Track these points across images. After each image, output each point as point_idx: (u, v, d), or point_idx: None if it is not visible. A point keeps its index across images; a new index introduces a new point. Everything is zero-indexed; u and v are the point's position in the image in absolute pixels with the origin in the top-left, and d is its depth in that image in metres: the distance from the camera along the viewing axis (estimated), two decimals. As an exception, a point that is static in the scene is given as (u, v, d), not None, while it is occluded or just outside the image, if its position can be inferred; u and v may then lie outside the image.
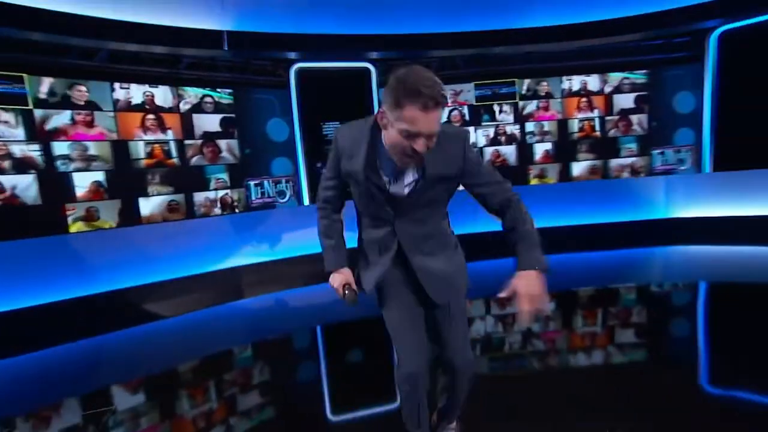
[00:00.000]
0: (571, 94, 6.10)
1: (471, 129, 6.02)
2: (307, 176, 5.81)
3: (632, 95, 6.09)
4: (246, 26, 5.03)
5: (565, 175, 6.24)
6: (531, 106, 6.12)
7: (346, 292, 1.36)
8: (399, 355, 1.44)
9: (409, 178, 1.30)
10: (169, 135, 5.02)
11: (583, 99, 6.11)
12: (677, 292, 4.09)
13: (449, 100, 6.03)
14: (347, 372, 2.85)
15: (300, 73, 5.66)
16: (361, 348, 3.24)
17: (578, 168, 6.23)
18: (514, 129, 6.15)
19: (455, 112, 6.20)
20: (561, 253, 5.24)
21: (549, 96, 6.12)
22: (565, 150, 6.19)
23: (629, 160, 6.20)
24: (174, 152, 5.06)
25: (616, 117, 6.13)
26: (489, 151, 6.17)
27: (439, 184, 1.30)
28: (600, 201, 6.07)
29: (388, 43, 5.56)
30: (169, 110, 5.02)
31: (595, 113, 6.13)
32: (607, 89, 6.10)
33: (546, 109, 6.15)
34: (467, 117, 6.16)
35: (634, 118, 6.13)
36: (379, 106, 1.23)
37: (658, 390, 2.18)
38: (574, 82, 6.09)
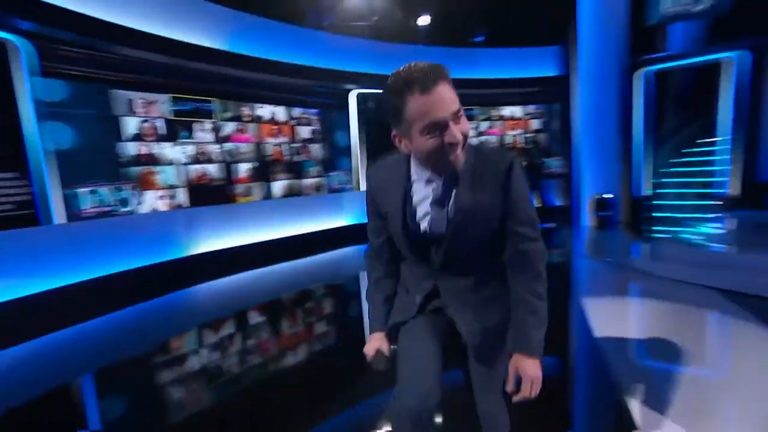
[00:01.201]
0: (264, 121, 6.83)
1: (168, 145, 5.63)
2: None
3: (309, 128, 7.49)
4: None
5: (267, 192, 6.83)
6: (229, 128, 6.37)
7: (376, 357, 1.26)
8: (400, 384, 1.17)
9: (442, 212, 1.12)
10: None
11: (274, 126, 6.97)
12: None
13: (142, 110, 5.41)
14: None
15: None
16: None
17: (277, 186, 6.97)
18: (214, 147, 6.19)
19: (147, 124, 5.59)
20: (270, 265, 5.83)
21: (250, 120, 6.60)
22: (264, 170, 6.80)
23: (314, 180, 7.53)
24: None
25: (300, 144, 7.34)
26: (193, 169, 5.92)
27: (480, 218, 1.10)
28: (298, 215, 7.06)
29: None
30: None
31: (284, 139, 7.10)
32: (292, 121, 7.23)
33: (243, 131, 6.57)
34: (164, 131, 5.68)
35: (313, 146, 7.54)
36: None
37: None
38: (265, 111, 6.86)
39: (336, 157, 7.89)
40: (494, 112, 9.12)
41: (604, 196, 7.15)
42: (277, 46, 6.57)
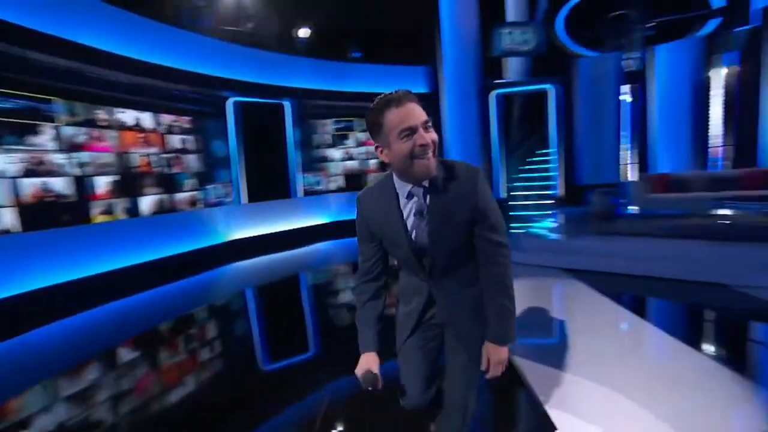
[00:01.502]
0: (126, 127, 5.92)
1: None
2: None
3: (181, 137, 6.75)
4: None
5: (134, 210, 5.90)
6: (80, 134, 5.35)
7: (366, 376, 1.32)
8: (401, 385, 1.42)
9: (423, 221, 1.28)
10: None
11: (140, 134, 6.10)
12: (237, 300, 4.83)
13: None
14: None
15: None
16: None
17: (146, 202, 6.08)
18: (58, 157, 5.12)
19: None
20: (141, 292, 5.07)
21: (107, 126, 5.63)
22: (130, 184, 5.88)
23: (189, 194, 6.78)
24: None
25: (172, 155, 6.56)
26: (27, 183, 4.77)
27: (455, 225, 1.25)
28: (170, 233, 6.29)
29: None
30: None
31: (153, 149, 6.27)
32: (161, 128, 6.42)
33: (99, 139, 5.60)
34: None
35: (189, 157, 6.81)
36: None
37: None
38: (128, 116, 5.96)
39: (213, 169, 7.28)
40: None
41: (472, 200, 8.15)
42: (143, 43, 5.81)
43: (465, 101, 8.04)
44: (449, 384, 1.40)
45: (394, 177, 1.28)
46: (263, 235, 7.71)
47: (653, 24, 9.70)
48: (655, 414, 1.96)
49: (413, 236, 1.30)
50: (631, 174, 9.24)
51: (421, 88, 9.13)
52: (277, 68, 8.06)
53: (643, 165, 8.35)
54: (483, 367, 1.33)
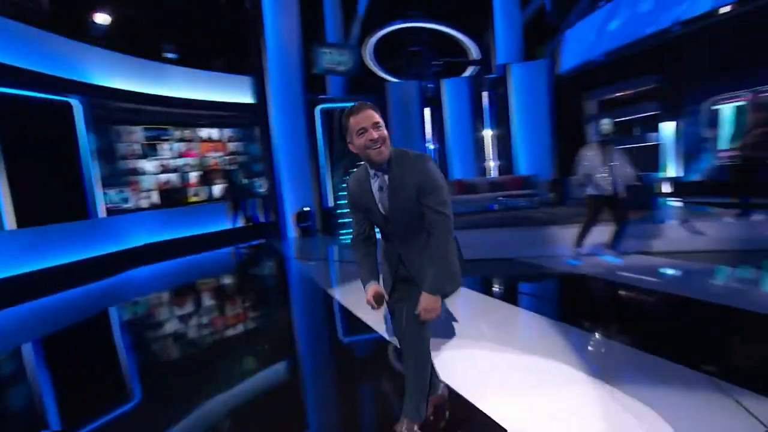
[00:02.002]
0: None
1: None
2: None
3: None
4: None
5: None
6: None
7: (376, 297, 1.74)
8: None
9: (385, 196, 1.69)
10: None
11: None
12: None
13: None
14: None
15: None
16: None
17: None
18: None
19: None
20: None
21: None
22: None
23: None
24: None
25: None
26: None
27: (407, 198, 1.63)
28: None
29: None
30: None
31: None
32: None
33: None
34: None
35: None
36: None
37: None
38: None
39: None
40: (190, 133, 8.86)
41: (304, 209, 8.40)
42: None
43: (292, 113, 8.27)
44: (405, 328, 1.78)
45: (366, 165, 1.72)
46: (44, 271, 6.10)
47: (439, 62, 11.96)
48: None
49: (380, 206, 1.72)
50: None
51: (246, 98, 8.96)
52: (62, 56, 6.68)
53: (445, 173, 10.10)
54: (417, 311, 1.69)
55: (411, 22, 11.60)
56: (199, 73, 8.57)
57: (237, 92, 9.14)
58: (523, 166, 9.39)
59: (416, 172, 1.61)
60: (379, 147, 1.61)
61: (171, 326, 3.94)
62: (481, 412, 1.99)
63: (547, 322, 3.04)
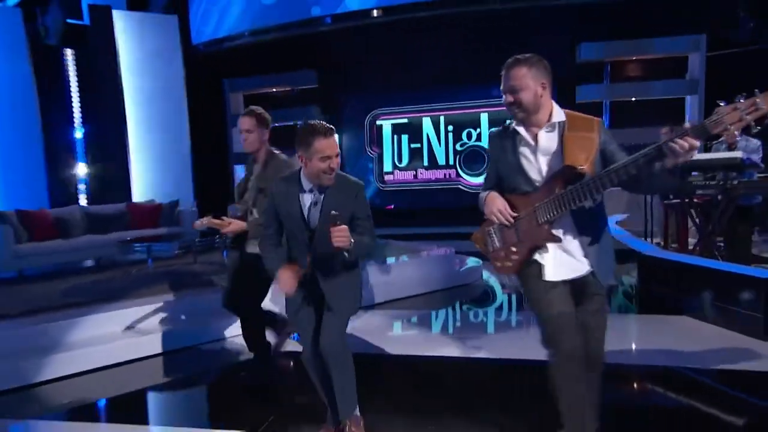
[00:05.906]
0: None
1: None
2: None
3: None
4: None
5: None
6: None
7: (288, 277, 1.83)
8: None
9: (317, 210, 1.81)
10: None
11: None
12: None
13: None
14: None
15: None
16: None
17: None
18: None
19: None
20: None
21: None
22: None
23: None
24: None
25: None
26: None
27: (342, 219, 1.72)
28: None
29: None
30: None
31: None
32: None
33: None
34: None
35: None
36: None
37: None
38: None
39: None
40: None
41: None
42: None
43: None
44: (328, 337, 1.87)
45: (302, 174, 1.83)
46: None
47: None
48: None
49: (307, 219, 1.84)
50: None
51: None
52: None
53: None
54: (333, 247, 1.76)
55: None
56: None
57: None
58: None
59: (353, 197, 1.84)
60: (333, 174, 1.77)
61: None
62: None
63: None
